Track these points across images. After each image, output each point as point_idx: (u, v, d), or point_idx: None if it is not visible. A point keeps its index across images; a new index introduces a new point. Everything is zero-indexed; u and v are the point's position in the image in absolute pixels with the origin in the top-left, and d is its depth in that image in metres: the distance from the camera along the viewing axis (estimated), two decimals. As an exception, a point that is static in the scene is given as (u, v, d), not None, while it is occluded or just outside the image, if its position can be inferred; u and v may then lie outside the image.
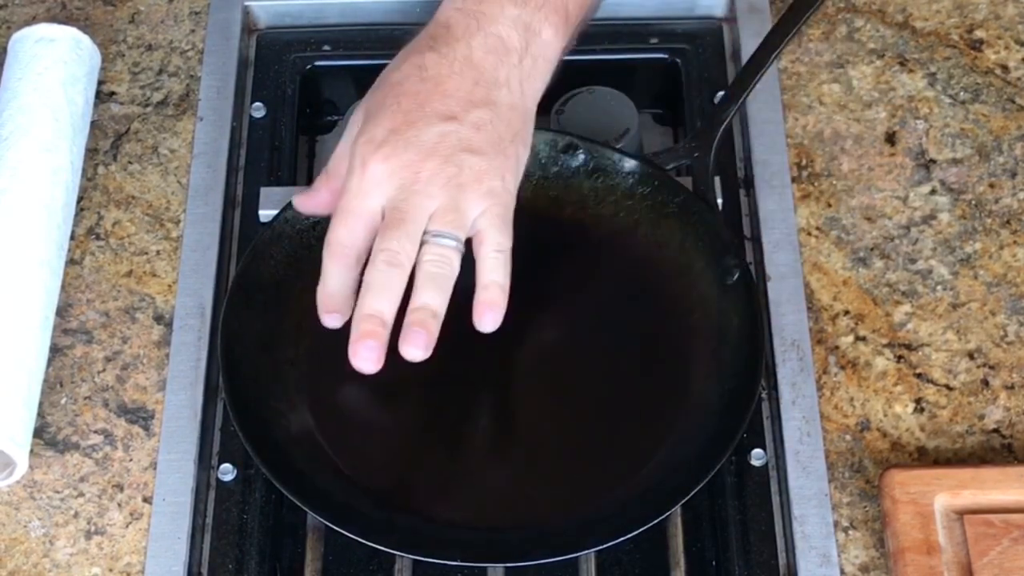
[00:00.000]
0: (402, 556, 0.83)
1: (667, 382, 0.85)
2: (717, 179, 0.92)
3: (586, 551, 0.80)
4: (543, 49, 0.84)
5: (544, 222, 0.89)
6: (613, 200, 0.90)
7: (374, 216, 0.79)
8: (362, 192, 0.79)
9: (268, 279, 0.86)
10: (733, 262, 0.86)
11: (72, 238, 0.92)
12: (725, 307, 0.85)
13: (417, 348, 0.77)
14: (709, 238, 0.87)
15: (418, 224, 0.78)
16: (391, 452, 0.84)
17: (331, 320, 0.80)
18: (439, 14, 0.84)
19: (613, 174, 0.90)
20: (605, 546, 0.78)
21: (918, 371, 0.86)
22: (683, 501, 0.79)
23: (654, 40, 1.01)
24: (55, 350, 0.88)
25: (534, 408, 0.86)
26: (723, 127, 0.90)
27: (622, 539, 0.78)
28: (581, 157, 0.91)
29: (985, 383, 0.86)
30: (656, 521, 0.79)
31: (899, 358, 0.87)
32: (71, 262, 0.91)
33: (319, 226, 0.85)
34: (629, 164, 0.90)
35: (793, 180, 0.93)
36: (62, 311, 0.89)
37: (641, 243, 0.89)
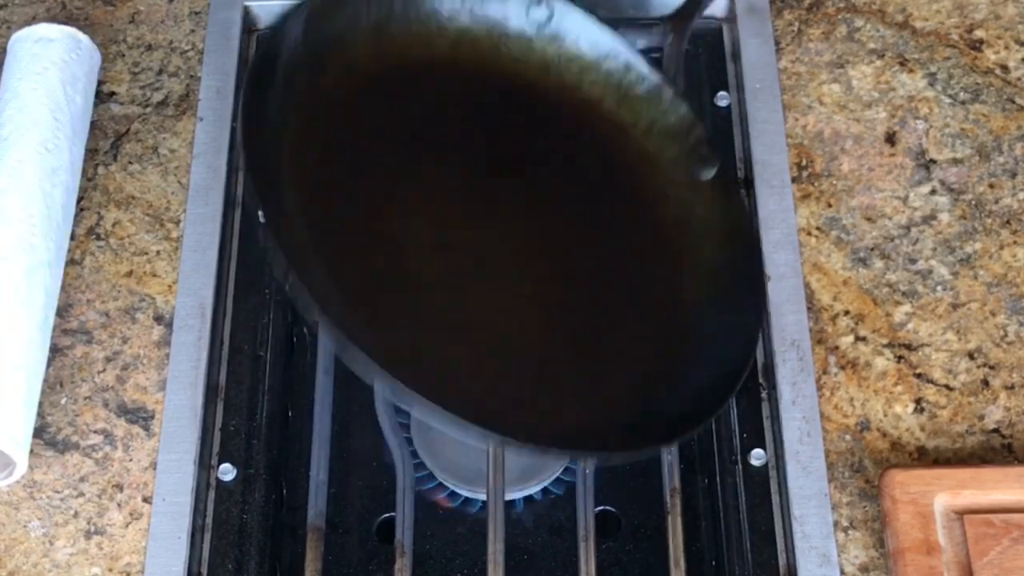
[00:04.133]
0: (402, 555, 0.83)
1: (652, 279, 0.82)
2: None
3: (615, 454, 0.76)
4: None
5: (509, 81, 0.87)
6: (577, 71, 0.87)
7: None
8: None
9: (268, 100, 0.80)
10: (708, 152, 0.83)
11: (72, 238, 0.92)
12: (703, 201, 0.83)
13: None
14: (681, 128, 0.84)
15: None
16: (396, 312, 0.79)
17: None
18: None
19: (579, 42, 0.87)
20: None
21: (918, 371, 0.86)
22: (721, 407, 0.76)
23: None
24: (55, 350, 0.88)
25: (507, 292, 0.81)
26: (696, 16, 0.88)
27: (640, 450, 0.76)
28: (547, 13, 0.87)
29: (985, 383, 0.86)
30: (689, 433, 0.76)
31: (899, 358, 0.87)
32: (71, 262, 0.91)
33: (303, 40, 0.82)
34: (597, 33, 0.87)
35: (793, 180, 0.93)
36: (62, 311, 0.89)
37: (606, 120, 0.86)
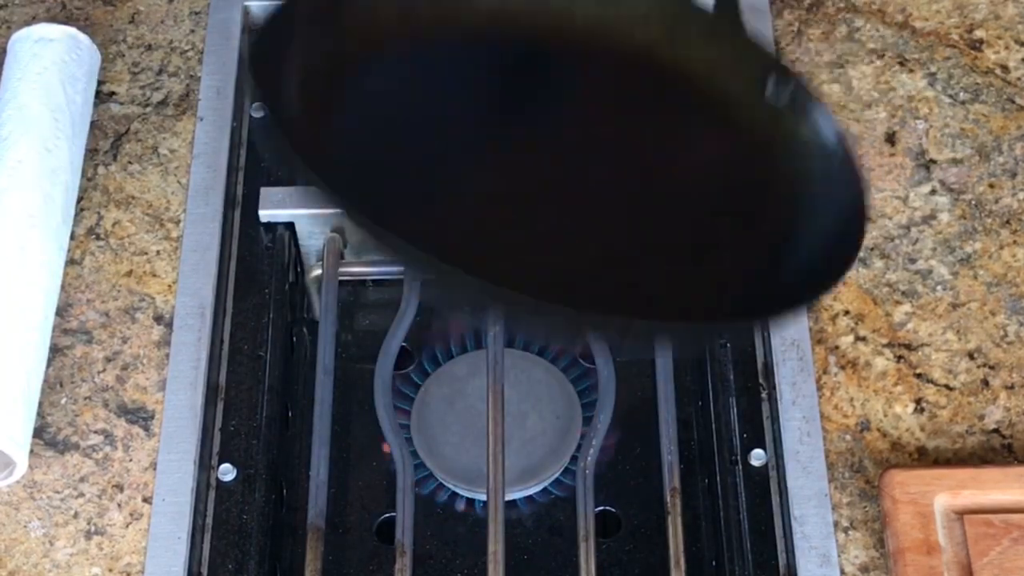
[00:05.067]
0: (402, 555, 0.83)
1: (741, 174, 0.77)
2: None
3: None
4: None
5: (546, 41, 0.81)
6: (628, 17, 0.80)
7: None
8: None
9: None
10: (780, 78, 0.77)
11: (72, 238, 0.92)
12: (784, 129, 0.77)
13: None
14: (747, 54, 0.79)
15: None
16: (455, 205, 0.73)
17: None
18: None
19: None
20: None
21: (918, 371, 0.86)
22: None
23: (654, 40, 1.01)
24: (55, 350, 0.88)
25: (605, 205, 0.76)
26: None
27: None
28: None
29: (985, 383, 0.86)
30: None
31: (899, 358, 0.87)
32: (71, 262, 0.91)
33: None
34: None
35: (793, 180, 0.93)
36: (62, 311, 0.89)
37: (660, 65, 0.80)
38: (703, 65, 0.81)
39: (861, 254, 0.90)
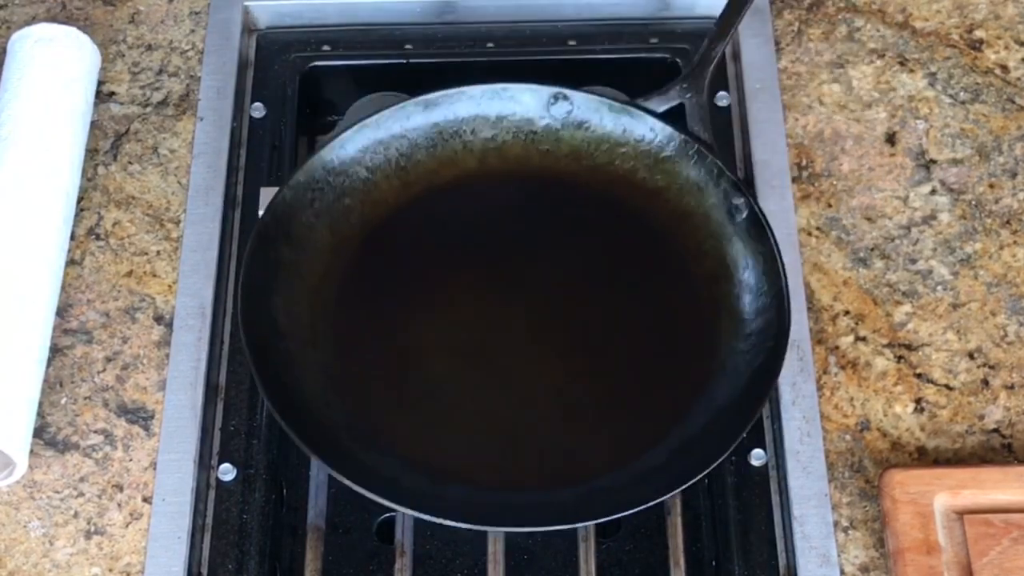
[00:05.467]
0: (402, 555, 0.83)
1: (690, 333, 0.85)
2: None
3: (639, 507, 0.79)
4: None
5: (538, 178, 0.90)
6: (607, 149, 0.90)
7: None
8: None
9: (275, 261, 0.86)
10: (739, 199, 0.86)
11: (72, 238, 0.92)
12: (737, 247, 0.86)
13: None
14: (711, 179, 0.87)
15: None
16: (426, 421, 0.83)
17: None
18: None
19: (604, 122, 0.90)
20: (660, 499, 0.78)
21: (918, 371, 0.86)
22: (732, 447, 0.78)
23: (654, 40, 1.01)
24: (55, 350, 0.88)
25: (562, 370, 0.85)
26: (713, 65, 0.90)
27: (667, 496, 0.78)
28: (568, 106, 0.90)
29: (985, 383, 0.86)
30: (708, 470, 0.78)
31: (899, 358, 0.87)
32: (71, 262, 0.91)
33: (316, 203, 0.87)
34: (619, 110, 0.89)
35: (793, 180, 0.93)
36: (62, 311, 0.89)
37: (640, 190, 0.89)
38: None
39: (861, 254, 0.90)
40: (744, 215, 0.85)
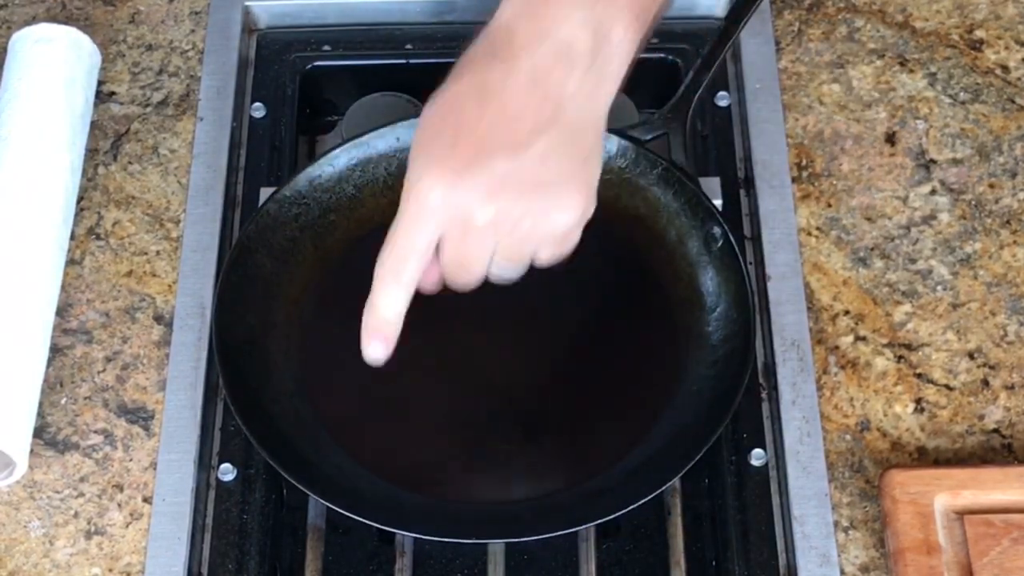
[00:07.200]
0: (402, 555, 0.83)
1: (658, 355, 0.87)
2: (717, 180, 0.92)
3: (593, 523, 0.81)
4: (615, 50, 0.76)
5: None
6: None
7: (430, 250, 0.75)
8: (415, 231, 0.74)
9: (255, 273, 0.87)
10: (716, 229, 0.87)
11: (72, 238, 0.92)
12: (711, 275, 0.87)
13: None
14: (689, 208, 0.88)
15: (479, 271, 0.76)
16: (395, 435, 0.85)
17: (377, 349, 0.77)
18: (499, 16, 0.75)
19: None
20: (612, 516, 0.79)
21: (918, 371, 0.86)
22: (686, 468, 0.79)
23: (654, 40, 1.00)
24: (55, 350, 0.88)
25: (529, 385, 0.87)
26: (697, 96, 0.91)
27: (630, 508, 0.79)
28: None
29: (985, 383, 0.86)
30: (662, 489, 0.80)
31: (899, 358, 0.87)
32: (71, 262, 0.91)
33: (301, 217, 0.88)
34: (606, 139, 0.90)
35: (793, 180, 0.93)
36: (62, 311, 0.89)
37: (621, 216, 0.89)
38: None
39: (861, 254, 0.90)
40: (719, 244, 0.86)
